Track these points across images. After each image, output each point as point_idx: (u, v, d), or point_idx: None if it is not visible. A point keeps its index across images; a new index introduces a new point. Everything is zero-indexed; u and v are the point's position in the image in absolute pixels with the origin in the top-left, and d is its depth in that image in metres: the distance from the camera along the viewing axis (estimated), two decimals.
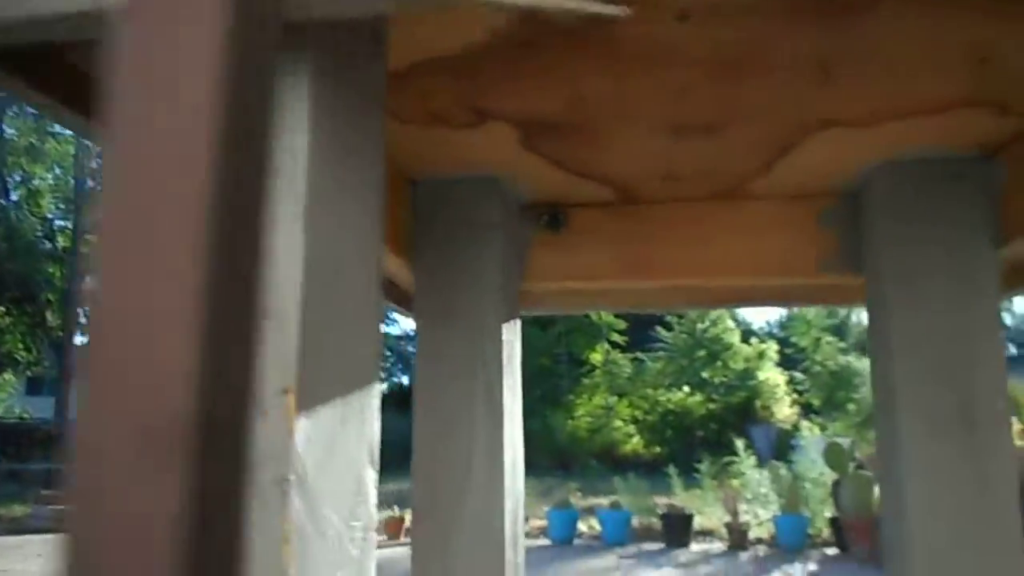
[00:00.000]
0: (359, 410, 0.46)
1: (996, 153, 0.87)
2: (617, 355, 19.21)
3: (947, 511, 0.84)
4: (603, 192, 1.03)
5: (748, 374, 17.89)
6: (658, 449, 17.15)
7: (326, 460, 0.41)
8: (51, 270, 21.59)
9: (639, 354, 19.32)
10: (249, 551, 0.38)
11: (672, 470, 7.68)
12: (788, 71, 0.70)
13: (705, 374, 18.06)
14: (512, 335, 0.99)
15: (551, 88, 0.75)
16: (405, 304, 1.09)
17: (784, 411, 17.37)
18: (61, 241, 22.31)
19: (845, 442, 6.62)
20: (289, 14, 0.42)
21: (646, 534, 6.76)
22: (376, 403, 0.49)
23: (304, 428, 0.39)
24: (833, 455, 5.95)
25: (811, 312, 14.57)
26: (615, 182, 1.00)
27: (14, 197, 22.50)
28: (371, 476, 0.47)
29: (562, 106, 0.78)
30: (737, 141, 0.86)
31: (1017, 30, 0.64)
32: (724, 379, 18.06)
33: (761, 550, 6.21)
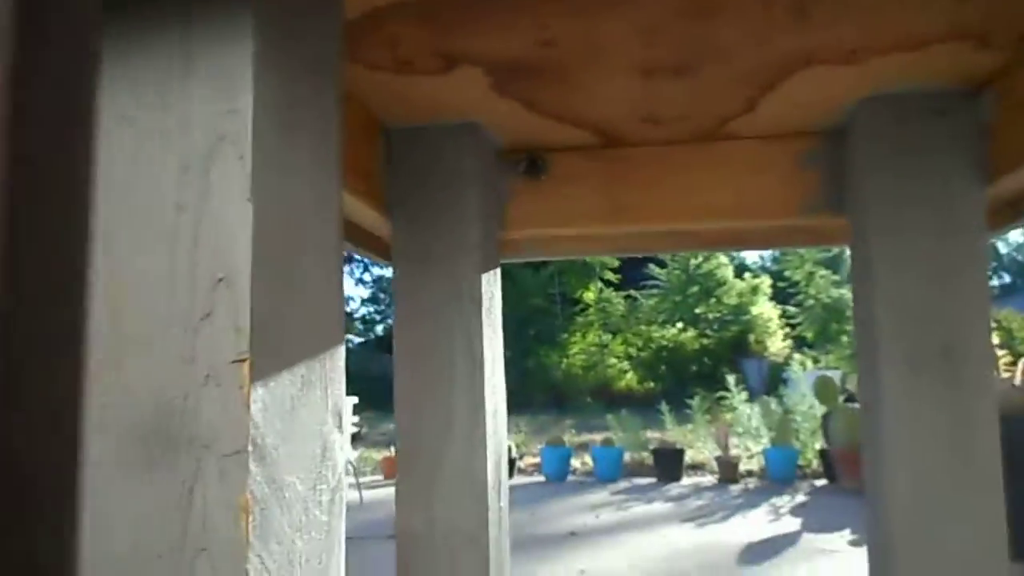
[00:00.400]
0: (322, 373, 0.45)
1: (982, 88, 0.85)
2: (610, 293, 19.29)
3: (927, 449, 0.85)
4: (582, 136, 1.01)
5: (741, 309, 18.01)
6: (652, 385, 17.37)
7: (287, 428, 0.41)
8: None
9: (632, 292, 19.41)
10: (209, 523, 0.37)
11: (664, 407, 7.78)
12: (761, 8, 0.68)
13: (699, 310, 18.18)
14: (492, 283, 0.99)
15: (518, 30, 0.73)
16: (383, 254, 1.08)
17: (777, 345, 17.55)
18: None
19: (836, 375, 6.70)
20: None
21: (638, 469, 6.89)
22: (341, 364, 0.48)
23: (261, 397, 0.39)
24: (823, 388, 6.03)
25: None
26: (593, 125, 0.98)
27: None
28: (337, 439, 0.46)
29: (531, 48, 0.76)
30: (715, 81, 0.84)
31: None
32: (718, 314, 18.18)
33: (751, 483, 6.34)
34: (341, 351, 0.48)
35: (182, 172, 0.40)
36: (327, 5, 0.49)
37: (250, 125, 0.40)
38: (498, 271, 1.03)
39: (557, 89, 0.86)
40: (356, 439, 9.66)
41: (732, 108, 0.92)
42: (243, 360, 0.38)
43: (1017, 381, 3.00)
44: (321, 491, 0.44)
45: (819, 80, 0.83)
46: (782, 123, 0.97)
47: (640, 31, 0.73)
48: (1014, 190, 0.90)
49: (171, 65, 0.42)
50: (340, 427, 0.47)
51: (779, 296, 17.74)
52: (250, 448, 0.37)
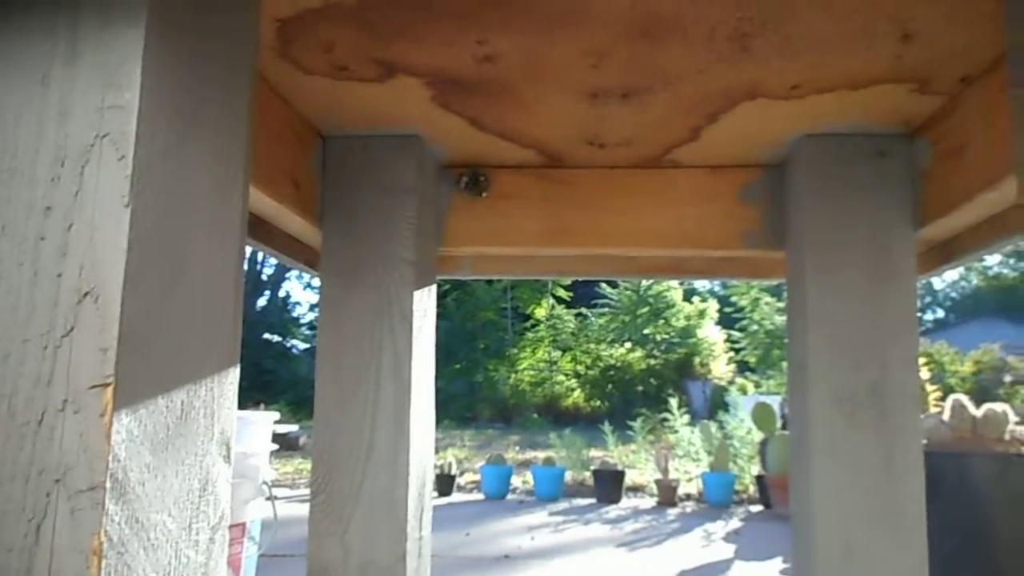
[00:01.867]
0: (208, 399, 0.41)
1: (918, 133, 0.86)
2: (562, 310, 19.34)
3: (853, 490, 0.84)
4: (526, 154, 0.99)
5: (688, 332, 18.21)
6: (599, 403, 17.43)
7: (157, 460, 0.37)
8: None
9: (583, 310, 19.49)
10: (55, 568, 0.33)
11: (607, 427, 7.80)
12: (706, 39, 0.66)
13: (647, 331, 18.33)
14: (425, 302, 0.95)
15: (459, 45, 0.70)
16: (313, 264, 1.04)
17: (721, 368, 17.78)
18: None
19: (775, 401, 6.79)
20: None
21: (579, 489, 6.88)
22: (232, 389, 0.44)
23: (126, 427, 0.35)
24: (761, 415, 6.10)
25: None
26: (537, 144, 0.96)
27: None
28: (222, 471, 0.43)
29: (471, 63, 0.74)
30: (660, 107, 0.82)
31: (941, 8, 0.61)
32: (665, 336, 18.35)
33: (689, 506, 6.37)
34: (233, 375, 0.44)
35: (54, 169, 0.37)
36: (238, 2, 0.46)
37: (135, 123, 0.36)
38: (433, 288, 0.99)
39: (500, 106, 0.84)
40: (295, 448, 9.47)
41: (677, 135, 0.90)
42: (106, 384, 0.34)
43: (946, 417, 3.06)
44: (198, 529, 0.40)
45: (761, 113, 0.82)
46: (726, 154, 0.96)
47: (586, 53, 0.71)
48: (945, 234, 0.90)
49: (55, 47, 0.38)
50: (227, 457, 0.43)
51: (725, 321, 17.99)
52: (108, 484, 0.33)
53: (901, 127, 0.85)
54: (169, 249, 0.38)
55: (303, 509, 0.79)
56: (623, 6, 0.62)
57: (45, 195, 0.36)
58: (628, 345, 18.61)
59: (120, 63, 0.37)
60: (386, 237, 0.91)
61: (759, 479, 6.30)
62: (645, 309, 18.55)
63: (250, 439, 1.70)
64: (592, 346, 19.00)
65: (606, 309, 19.18)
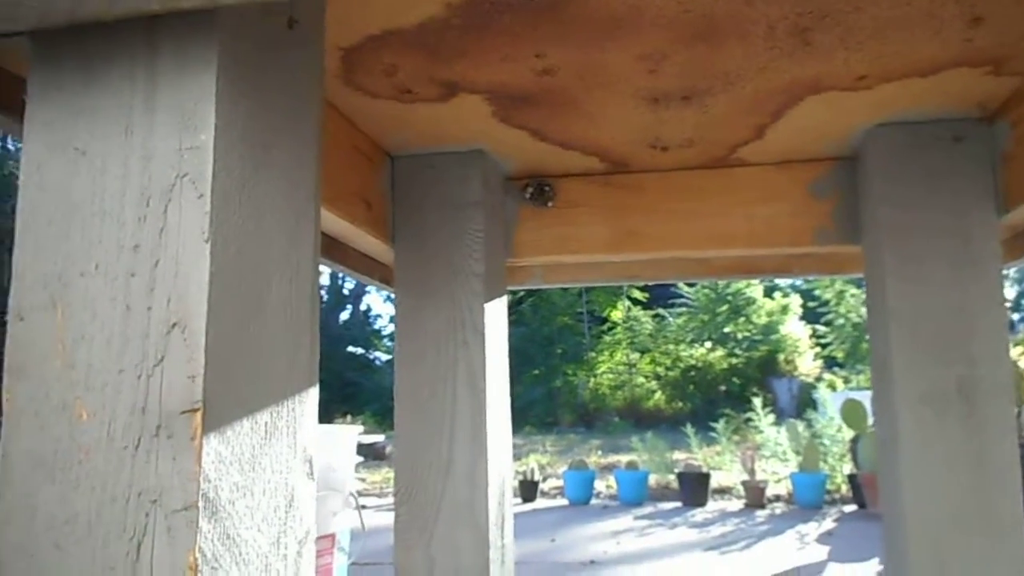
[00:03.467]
0: (290, 419, 0.44)
1: (996, 116, 0.82)
2: (638, 311, 19.15)
3: (945, 490, 0.81)
4: (589, 162, 0.99)
5: (771, 328, 17.77)
6: (680, 404, 17.18)
7: (246, 480, 0.39)
8: None
9: (660, 310, 19.26)
10: None
11: (690, 429, 7.67)
12: (764, 37, 0.66)
13: (727, 329, 17.97)
14: (497, 313, 0.97)
15: (518, 60, 0.71)
16: (389, 281, 1.07)
17: (807, 364, 17.29)
18: None
19: (865, 397, 6.57)
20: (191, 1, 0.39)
21: (664, 493, 6.79)
22: (311, 408, 0.46)
23: (215, 448, 0.37)
24: (850, 412, 5.89)
25: None
26: (600, 151, 0.96)
27: None
28: (305, 488, 0.45)
29: (531, 77, 0.75)
30: (722, 108, 0.82)
31: None
32: (747, 333, 17.96)
33: (779, 508, 6.21)
34: (313, 393, 0.46)
35: (140, 210, 0.39)
36: (303, 37, 0.48)
37: (211, 162, 0.39)
38: (504, 300, 1.01)
39: (561, 116, 0.85)
40: (381, 458, 9.64)
41: (741, 135, 0.89)
42: (195, 410, 0.36)
43: None
44: (286, 544, 0.42)
45: (828, 106, 0.80)
46: (793, 150, 0.94)
47: (642, 58, 0.71)
48: None
49: (134, 96, 0.41)
50: (311, 473, 0.45)
51: (809, 315, 17.48)
52: (200, 503, 0.36)
53: (977, 111, 0.82)
54: (248, 279, 0.41)
55: (391, 518, 0.82)
56: (675, 11, 0.62)
57: (133, 234, 0.39)
58: (708, 344, 18.28)
59: (195, 107, 0.39)
60: (455, 251, 0.93)
61: (851, 478, 6.09)
62: (724, 307, 18.20)
63: (336, 452, 1.75)
64: (671, 347, 18.74)
65: (683, 309, 18.91)
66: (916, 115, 0.83)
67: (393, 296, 0.97)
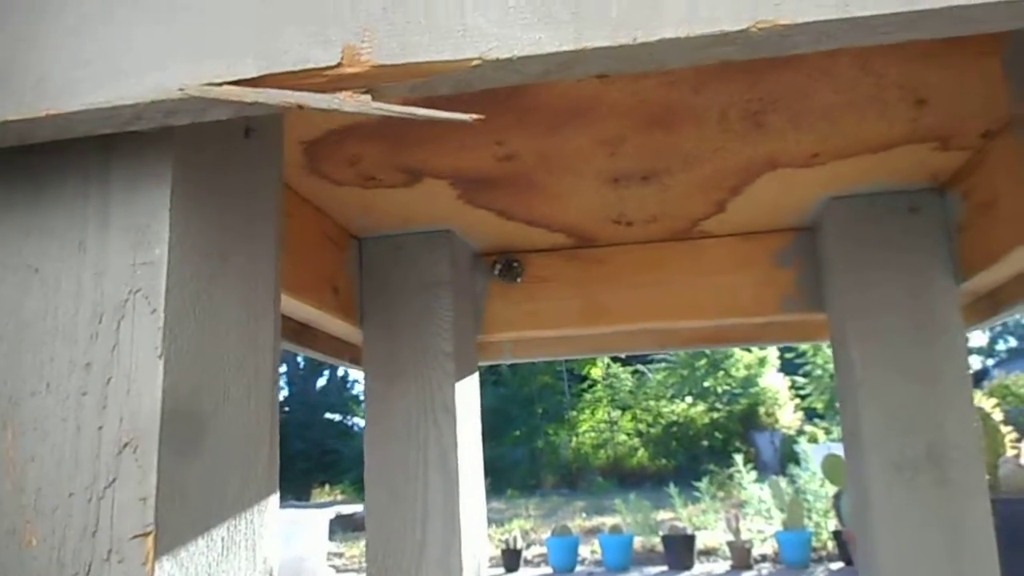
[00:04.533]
0: (248, 532, 0.43)
1: (948, 187, 0.85)
2: (617, 368, 19.13)
3: (919, 555, 0.81)
4: (556, 238, 1.00)
5: (750, 381, 17.81)
6: (664, 461, 17.05)
7: None
8: None
9: (640, 366, 19.26)
10: None
11: (673, 489, 7.60)
12: (718, 121, 0.68)
13: (707, 383, 17.98)
14: (469, 391, 0.96)
15: (479, 147, 0.72)
16: (360, 362, 1.06)
17: (788, 417, 17.29)
18: None
19: None
20: (143, 122, 0.39)
21: (649, 557, 6.68)
22: (272, 516, 0.45)
23: (168, 572, 0.36)
24: (831, 466, 5.87)
25: None
26: (566, 228, 0.97)
27: None
28: None
29: (493, 163, 0.76)
30: (681, 186, 0.83)
31: (951, 72, 0.62)
32: (727, 387, 17.97)
33: (765, 568, 6.12)
34: (273, 501, 0.45)
35: (93, 327, 0.39)
36: (260, 143, 0.49)
37: (164, 276, 0.39)
38: (475, 377, 1.00)
39: (525, 197, 0.86)
40: (361, 529, 9.42)
41: (702, 210, 0.91)
42: (147, 534, 0.35)
43: (1023, 460, 2.91)
44: None
45: (784, 182, 0.82)
46: (755, 222, 0.96)
47: (601, 143, 0.73)
48: (989, 285, 0.88)
49: (87, 212, 0.41)
50: None
51: (787, 367, 17.56)
52: None
53: (930, 183, 0.85)
54: (203, 392, 0.40)
55: None
56: (630, 100, 0.64)
57: (85, 352, 0.39)
58: (689, 399, 18.26)
59: (149, 222, 0.39)
60: (424, 331, 0.93)
61: (836, 535, 6.04)
62: (703, 361, 18.23)
63: (305, 541, 1.71)
64: (652, 403, 18.69)
65: (663, 364, 18.93)
66: (870, 188, 0.86)
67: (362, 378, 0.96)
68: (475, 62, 0.35)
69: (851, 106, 0.66)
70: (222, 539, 0.40)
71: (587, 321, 1.03)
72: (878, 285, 0.86)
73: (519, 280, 1.04)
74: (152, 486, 0.36)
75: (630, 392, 18.88)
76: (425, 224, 0.94)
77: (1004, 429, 3.60)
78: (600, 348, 1.17)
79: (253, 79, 0.37)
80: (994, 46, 0.58)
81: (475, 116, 0.31)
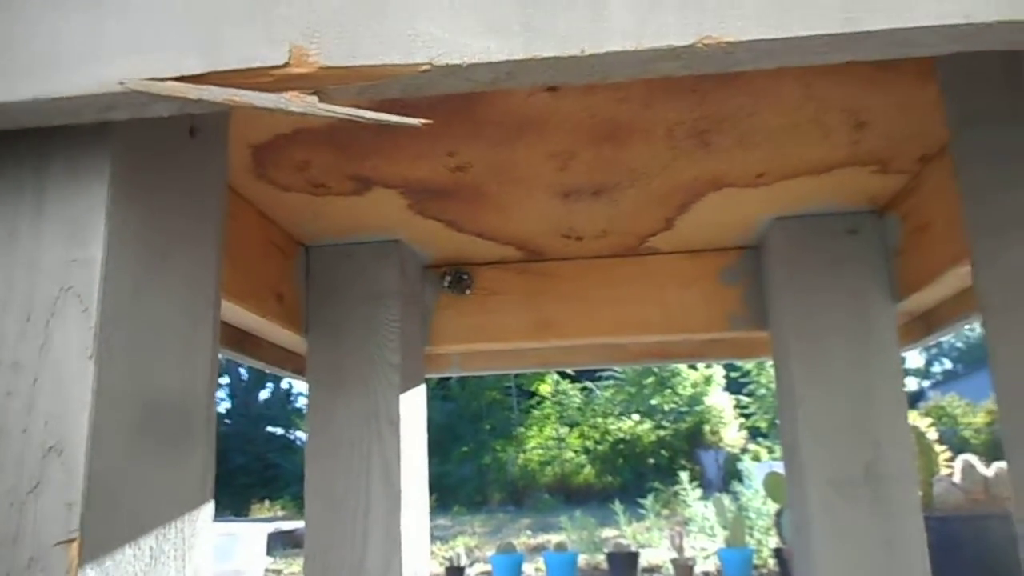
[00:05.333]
0: (178, 541, 0.41)
1: (887, 209, 0.87)
2: (566, 385, 19.19)
3: (855, 573, 0.83)
4: (506, 251, 1.01)
5: (696, 399, 18.02)
6: (610, 479, 17.11)
7: None
8: None
9: (588, 383, 19.35)
10: None
11: (617, 506, 7.63)
12: (665, 138, 0.69)
13: (654, 401, 18.15)
14: (415, 403, 0.95)
15: (430, 157, 0.72)
16: (304, 372, 1.04)
17: (732, 435, 17.53)
18: None
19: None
20: (81, 115, 0.38)
21: (593, 574, 6.70)
22: (206, 526, 0.44)
23: None
24: (773, 484, 5.97)
25: None
26: (516, 242, 0.97)
27: None
28: None
29: (445, 174, 0.76)
30: (630, 201, 0.84)
31: (891, 97, 0.64)
32: (673, 405, 18.16)
33: None
34: (207, 511, 0.44)
35: (21, 324, 0.37)
36: (205, 143, 0.48)
37: (99, 275, 0.38)
38: (422, 389, 0.99)
39: (476, 209, 0.86)
40: (301, 546, 9.22)
41: (651, 226, 0.92)
42: (71, 540, 0.34)
43: (957, 479, 3.00)
44: None
45: (730, 201, 0.84)
46: (702, 240, 0.97)
47: (552, 157, 0.73)
48: (925, 305, 0.91)
49: (19, 204, 0.39)
50: None
51: (732, 386, 17.83)
52: None
53: (869, 205, 0.87)
54: (137, 395, 0.39)
55: None
56: (581, 114, 0.65)
57: (13, 350, 0.37)
58: (636, 417, 18.39)
59: (84, 217, 0.38)
60: (371, 342, 0.92)
61: (777, 552, 6.13)
62: (650, 379, 18.41)
63: (242, 556, 1.67)
64: (600, 420, 18.78)
65: (611, 381, 19.05)
66: (813, 209, 0.88)
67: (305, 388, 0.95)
68: (424, 67, 0.34)
69: (794, 128, 0.68)
70: (150, 548, 0.39)
71: (535, 335, 1.03)
72: (818, 305, 0.88)
73: (468, 292, 1.04)
74: (78, 491, 0.35)
75: (578, 409, 18.94)
76: (374, 233, 0.93)
77: (939, 448, 3.72)
78: (548, 362, 1.17)
79: (198, 76, 0.36)
80: (931, 70, 0.60)
81: (423, 121, 0.31)
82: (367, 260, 0.94)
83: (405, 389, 0.92)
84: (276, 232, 0.88)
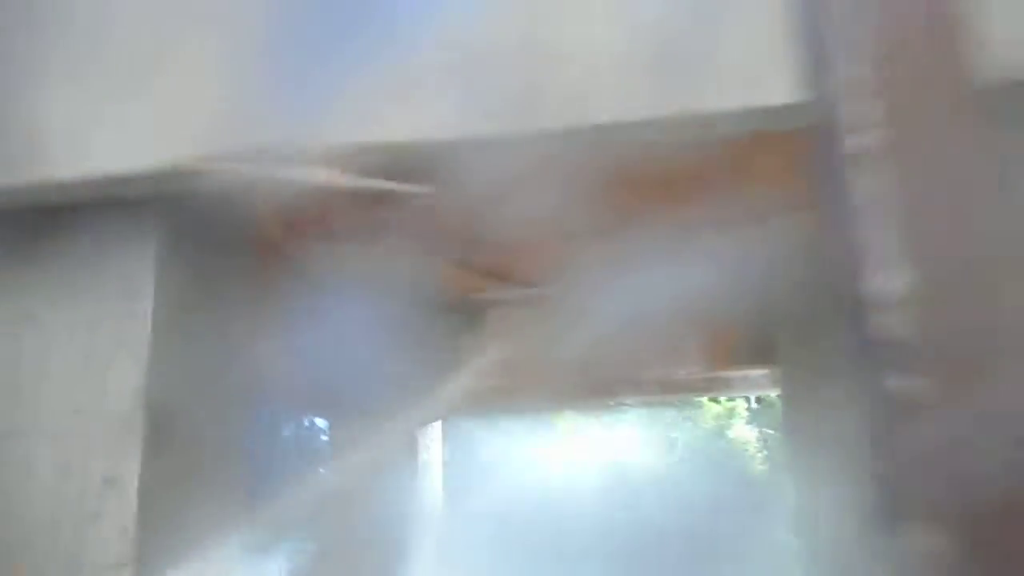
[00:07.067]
0: (222, 562, 0.46)
1: None
2: None
3: None
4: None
5: (719, 432, 17.69)
6: None
7: None
8: None
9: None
10: None
11: None
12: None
13: (675, 434, 17.82)
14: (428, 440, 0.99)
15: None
16: None
17: (756, 469, 17.14)
18: None
19: None
20: (132, 192, 0.43)
21: None
22: (239, 550, 0.49)
23: None
24: None
25: None
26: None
27: None
28: None
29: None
30: None
31: None
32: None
33: None
34: (244, 539, 0.49)
35: (82, 370, 0.43)
36: (231, 216, 0.53)
37: (149, 327, 0.43)
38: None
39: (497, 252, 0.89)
40: None
41: None
42: (123, 564, 0.39)
43: None
44: None
45: None
46: None
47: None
48: None
49: (82, 266, 0.44)
50: None
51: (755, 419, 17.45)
52: None
53: None
54: (182, 437, 0.44)
55: None
56: None
57: (76, 395, 0.42)
58: None
59: (135, 276, 0.43)
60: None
61: None
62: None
63: None
64: None
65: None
66: None
67: None
68: None
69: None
70: (196, 569, 0.43)
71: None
72: None
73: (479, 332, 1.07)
74: (132, 516, 0.40)
75: None
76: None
77: None
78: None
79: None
80: None
81: (424, 187, 0.35)
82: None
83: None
84: None
